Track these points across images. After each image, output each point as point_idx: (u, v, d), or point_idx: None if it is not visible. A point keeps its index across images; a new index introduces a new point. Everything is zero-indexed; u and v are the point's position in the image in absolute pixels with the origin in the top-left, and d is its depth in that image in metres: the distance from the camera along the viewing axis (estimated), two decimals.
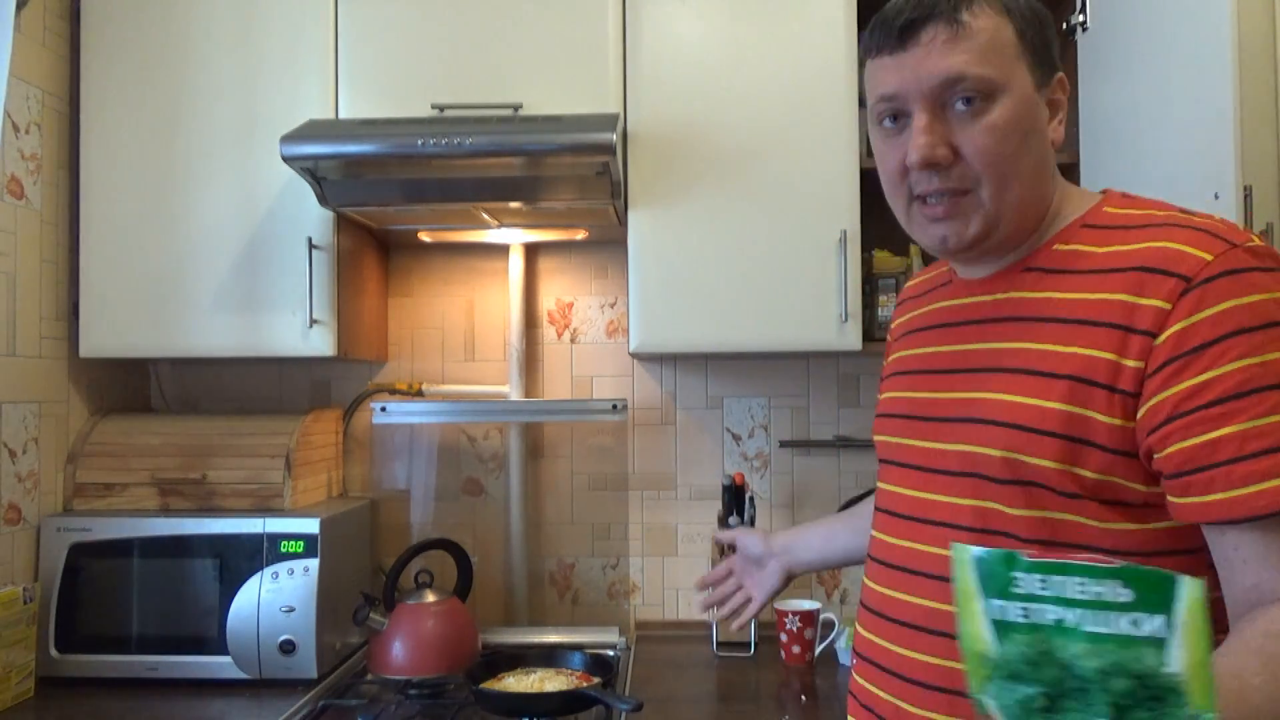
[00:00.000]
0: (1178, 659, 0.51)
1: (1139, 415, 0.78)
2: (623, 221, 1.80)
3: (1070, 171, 1.78)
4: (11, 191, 1.70)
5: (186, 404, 2.13)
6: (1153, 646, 0.51)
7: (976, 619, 0.56)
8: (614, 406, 1.89)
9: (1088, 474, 0.80)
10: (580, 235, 2.02)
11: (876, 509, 1.01)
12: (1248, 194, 1.30)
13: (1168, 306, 0.77)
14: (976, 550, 0.58)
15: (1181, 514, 0.78)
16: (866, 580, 1.00)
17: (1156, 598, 0.52)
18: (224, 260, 1.78)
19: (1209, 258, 0.77)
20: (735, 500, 1.88)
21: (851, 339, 1.73)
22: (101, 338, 1.79)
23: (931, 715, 0.88)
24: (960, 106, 0.85)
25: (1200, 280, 0.77)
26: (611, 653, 1.80)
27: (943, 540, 0.87)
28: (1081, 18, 1.71)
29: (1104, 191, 0.93)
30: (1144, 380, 0.78)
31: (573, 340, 2.11)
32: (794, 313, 1.73)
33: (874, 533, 1.00)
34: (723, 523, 1.89)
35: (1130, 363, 0.78)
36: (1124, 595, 0.52)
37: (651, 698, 1.55)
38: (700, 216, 1.75)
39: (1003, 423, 0.84)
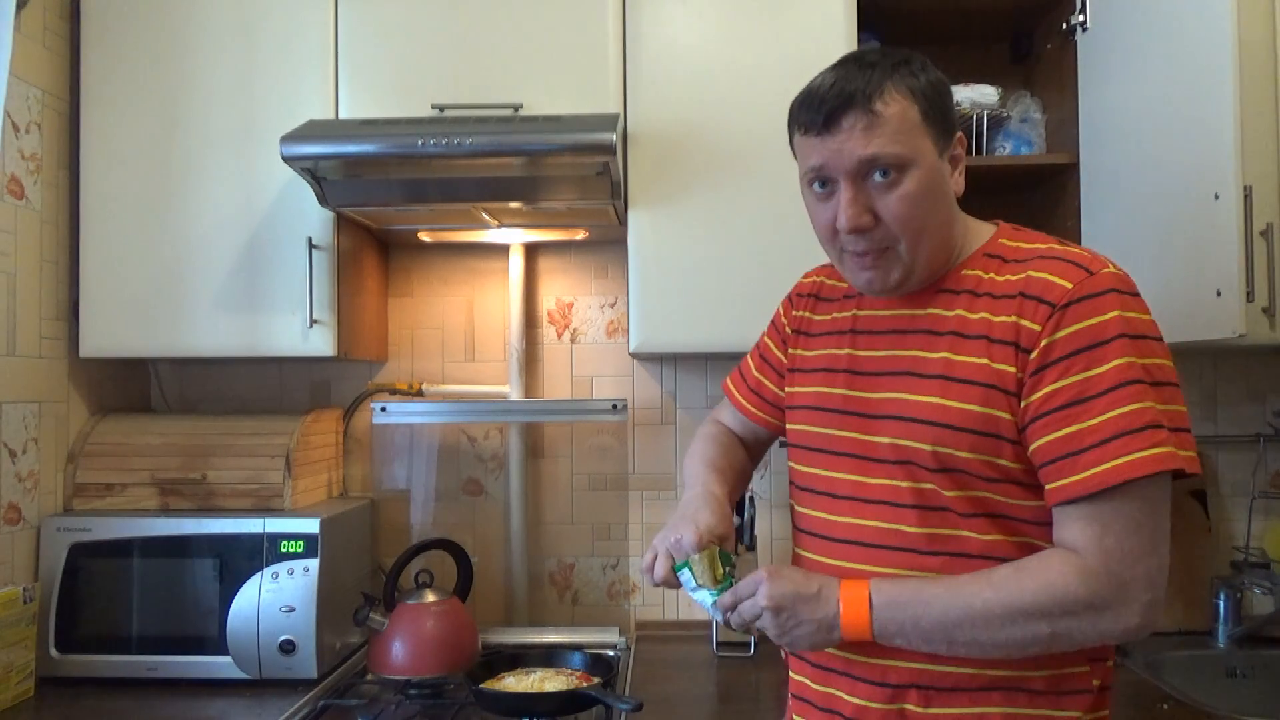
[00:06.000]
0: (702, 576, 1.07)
1: (1021, 414, 0.97)
2: (623, 221, 1.80)
3: (1070, 171, 1.79)
4: (11, 191, 1.70)
5: (186, 404, 2.13)
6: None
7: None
8: (614, 406, 1.89)
9: (1004, 462, 0.99)
10: (580, 235, 2.02)
11: (805, 489, 1.14)
12: (1248, 194, 1.30)
13: (1038, 328, 0.96)
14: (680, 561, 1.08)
15: (1050, 498, 0.96)
16: (805, 552, 1.12)
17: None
18: (224, 260, 1.78)
19: (1069, 285, 0.96)
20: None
21: None
22: (101, 338, 1.79)
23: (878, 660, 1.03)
24: (878, 178, 1.00)
25: (1062, 304, 0.96)
26: (611, 653, 1.80)
27: (886, 516, 1.04)
28: (1081, 18, 1.71)
29: (996, 223, 1.10)
30: (1022, 387, 0.97)
31: (573, 340, 2.11)
32: None
33: (807, 510, 1.13)
34: None
35: (1020, 374, 0.97)
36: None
37: (651, 698, 1.54)
38: (700, 216, 1.75)
39: (931, 421, 1.01)
